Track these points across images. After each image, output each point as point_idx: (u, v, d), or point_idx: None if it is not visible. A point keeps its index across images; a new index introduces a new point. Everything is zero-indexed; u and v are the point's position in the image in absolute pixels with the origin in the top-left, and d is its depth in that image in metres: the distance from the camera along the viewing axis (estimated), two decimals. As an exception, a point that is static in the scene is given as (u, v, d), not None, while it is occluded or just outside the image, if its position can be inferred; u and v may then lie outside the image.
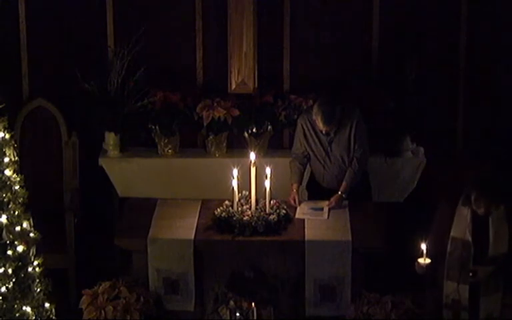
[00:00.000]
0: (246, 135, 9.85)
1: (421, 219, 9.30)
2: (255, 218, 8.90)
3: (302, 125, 9.42)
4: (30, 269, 7.61)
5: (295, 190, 9.36)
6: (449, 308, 7.97)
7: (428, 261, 7.93)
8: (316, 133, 9.38)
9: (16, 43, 10.06)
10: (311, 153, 9.43)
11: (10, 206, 7.47)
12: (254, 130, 9.82)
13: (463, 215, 7.90)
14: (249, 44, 9.96)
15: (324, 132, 9.30)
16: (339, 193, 9.28)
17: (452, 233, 7.94)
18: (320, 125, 9.22)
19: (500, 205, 7.82)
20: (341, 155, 9.34)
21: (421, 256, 7.94)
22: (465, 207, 7.90)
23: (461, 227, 7.90)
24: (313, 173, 9.55)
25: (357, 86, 9.95)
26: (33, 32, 10.10)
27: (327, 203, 9.24)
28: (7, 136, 7.49)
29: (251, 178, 9.00)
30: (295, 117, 9.68)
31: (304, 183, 9.56)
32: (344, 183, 9.29)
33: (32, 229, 7.65)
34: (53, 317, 7.85)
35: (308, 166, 9.52)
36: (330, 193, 9.34)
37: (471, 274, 7.85)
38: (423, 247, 7.93)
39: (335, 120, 9.21)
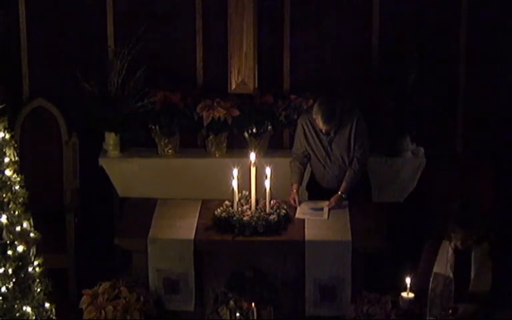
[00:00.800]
0: (246, 135, 9.84)
1: (421, 219, 9.70)
2: (255, 218, 8.91)
3: (302, 125, 9.45)
4: (30, 269, 7.58)
5: (295, 190, 9.38)
6: None
7: (411, 295, 7.93)
8: (316, 132, 9.40)
9: (16, 43, 10.06)
10: (311, 152, 9.46)
11: (10, 206, 7.45)
12: (254, 130, 9.83)
13: (445, 249, 7.92)
14: (249, 44, 9.97)
15: (324, 131, 9.32)
16: (339, 193, 9.31)
17: (435, 269, 7.94)
18: (320, 124, 9.24)
19: (483, 240, 7.74)
20: (341, 154, 9.36)
21: (405, 290, 7.97)
22: (447, 241, 7.91)
23: (443, 262, 7.91)
24: (313, 173, 9.57)
25: (356, 86, 9.98)
26: (33, 32, 10.10)
27: (327, 203, 9.27)
28: (7, 136, 7.49)
29: (251, 178, 9.01)
30: (295, 117, 9.71)
31: (304, 183, 9.58)
32: (344, 183, 9.32)
33: (32, 229, 7.64)
34: (53, 317, 7.83)
35: (308, 166, 9.54)
36: (330, 193, 9.36)
37: (450, 311, 7.81)
38: (407, 281, 7.95)
39: (335, 119, 9.23)
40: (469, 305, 7.72)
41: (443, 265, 7.86)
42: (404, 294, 7.94)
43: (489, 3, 10.09)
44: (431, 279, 7.92)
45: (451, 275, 7.81)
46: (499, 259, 7.73)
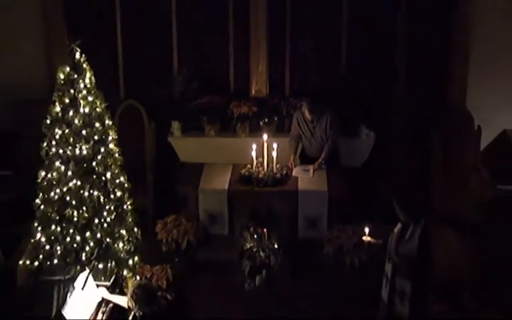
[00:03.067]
0: (261, 123, 9.78)
1: (371, 178, 9.61)
2: (267, 176, 9.12)
3: (297, 117, 9.45)
4: (125, 207, 7.73)
5: (292, 158, 9.48)
6: (385, 278, 7.45)
7: (368, 239, 7.67)
8: (305, 122, 9.39)
9: (115, 65, 10.04)
10: (302, 135, 9.48)
11: (112, 167, 7.58)
12: (266, 120, 9.77)
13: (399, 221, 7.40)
14: (262, 64, 9.91)
15: (310, 120, 9.30)
16: (320, 160, 9.39)
17: (394, 229, 7.40)
18: (306, 114, 9.28)
19: (420, 218, 7.25)
20: (321, 136, 9.38)
21: (365, 235, 7.68)
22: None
23: (396, 228, 7.33)
24: (303, 148, 9.57)
25: (332, 97, 9.74)
26: (127, 54, 10.04)
27: (311, 166, 9.37)
28: (110, 122, 7.59)
29: (264, 151, 9.17)
30: (292, 112, 9.66)
31: (297, 154, 9.59)
32: (323, 154, 9.38)
33: (126, 181, 7.73)
34: (139, 237, 7.89)
35: (300, 144, 9.55)
36: (314, 160, 9.42)
37: (388, 258, 7.37)
38: (366, 229, 7.69)
39: (316, 111, 9.23)
40: (401, 259, 7.27)
41: (396, 229, 7.33)
42: (364, 238, 7.68)
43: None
44: (390, 235, 7.39)
45: (395, 235, 7.29)
46: (426, 233, 7.20)
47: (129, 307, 7.01)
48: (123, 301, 7.22)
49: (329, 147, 9.42)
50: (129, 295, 6.99)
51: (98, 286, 7.37)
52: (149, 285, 7.36)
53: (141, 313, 6.90)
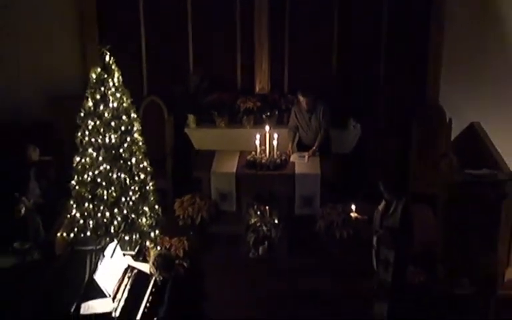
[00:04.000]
0: (264, 116, 9.66)
1: (358, 164, 9.55)
2: (268, 161, 9.07)
3: (294, 111, 9.37)
4: (147, 188, 7.71)
5: (290, 146, 9.41)
6: (374, 249, 7.40)
7: (355, 215, 7.58)
8: (302, 114, 9.29)
9: (140, 65, 9.87)
10: (299, 125, 9.41)
11: (137, 153, 7.59)
12: (268, 114, 9.66)
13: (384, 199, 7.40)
14: (265, 64, 9.77)
15: (305, 105, 9.15)
16: (314, 148, 9.33)
17: (379, 206, 7.40)
18: (301, 99, 9.18)
19: (401, 196, 7.25)
20: (315, 126, 9.30)
21: (351, 211, 7.63)
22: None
23: (381, 205, 7.36)
24: (300, 137, 9.50)
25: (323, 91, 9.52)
26: (149, 55, 9.86)
27: (307, 153, 9.31)
28: (135, 115, 7.62)
29: (266, 140, 9.14)
30: (290, 106, 9.55)
31: (295, 143, 9.51)
32: (316, 143, 9.32)
33: (148, 166, 7.74)
34: (159, 214, 7.86)
35: (297, 134, 9.47)
36: (309, 148, 9.36)
37: (374, 232, 7.39)
38: (353, 207, 7.62)
39: (309, 96, 9.13)
40: (385, 232, 7.27)
41: (380, 207, 7.35)
42: (352, 214, 7.63)
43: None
44: (375, 211, 7.41)
45: (380, 212, 7.32)
46: (408, 208, 7.21)
47: (150, 272, 7.12)
48: (145, 267, 7.31)
49: (322, 136, 9.35)
50: (150, 262, 7.09)
51: (124, 255, 7.48)
52: (168, 254, 7.36)
53: (161, 278, 7.00)
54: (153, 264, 6.97)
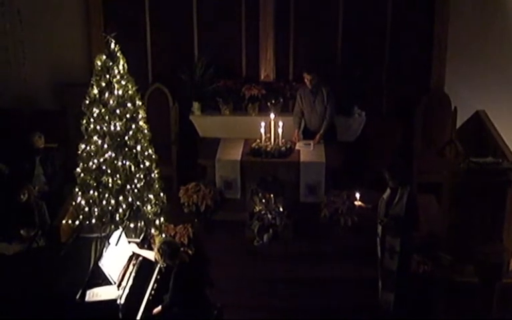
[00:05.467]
0: (268, 104, 9.61)
1: (362, 151, 9.57)
2: (273, 149, 9.02)
3: (299, 94, 9.30)
4: (152, 175, 7.75)
5: (296, 133, 9.36)
6: (378, 237, 7.49)
7: (359, 203, 7.61)
8: (307, 98, 9.23)
9: (145, 53, 9.81)
10: (304, 110, 9.31)
11: (142, 141, 7.61)
12: (273, 101, 9.61)
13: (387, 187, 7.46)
14: (270, 53, 9.72)
15: (309, 83, 9.09)
16: (319, 133, 9.27)
17: (384, 195, 7.47)
18: (305, 76, 9.12)
19: (406, 183, 7.30)
20: (320, 111, 9.23)
21: (355, 200, 7.65)
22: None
23: (386, 193, 7.43)
24: (305, 123, 9.41)
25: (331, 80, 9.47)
26: (154, 43, 9.81)
27: (312, 141, 9.27)
28: (140, 103, 7.63)
29: (271, 127, 9.09)
30: (295, 93, 9.46)
31: (301, 130, 9.45)
32: (322, 129, 9.26)
33: (153, 153, 7.76)
34: (164, 201, 7.88)
35: (302, 120, 9.38)
36: (314, 134, 9.32)
37: (379, 221, 7.45)
38: (357, 195, 7.63)
39: (313, 73, 9.08)
40: (390, 220, 7.33)
41: (385, 194, 7.41)
42: (355, 202, 7.68)
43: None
44: (380, 200, 7.47)
45: (385, 201, 7.39)
46: (413, 196, 7.28)
47: (155, 259, 7.12)
48: (150, 254, 7.33)
49: (327, 121, 9.31)
50: (155, 249, 7.07)
51: (129, 242, 7.48)
52: (173, 241, 7.34)
53: (166, 265, 7.03)
54: (158, 251, 6.96)
